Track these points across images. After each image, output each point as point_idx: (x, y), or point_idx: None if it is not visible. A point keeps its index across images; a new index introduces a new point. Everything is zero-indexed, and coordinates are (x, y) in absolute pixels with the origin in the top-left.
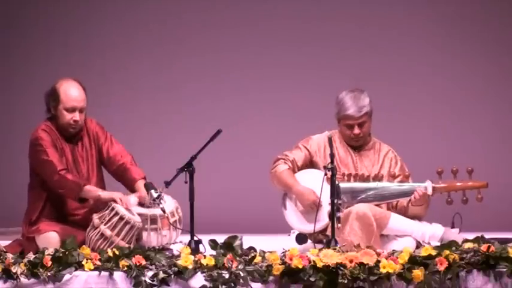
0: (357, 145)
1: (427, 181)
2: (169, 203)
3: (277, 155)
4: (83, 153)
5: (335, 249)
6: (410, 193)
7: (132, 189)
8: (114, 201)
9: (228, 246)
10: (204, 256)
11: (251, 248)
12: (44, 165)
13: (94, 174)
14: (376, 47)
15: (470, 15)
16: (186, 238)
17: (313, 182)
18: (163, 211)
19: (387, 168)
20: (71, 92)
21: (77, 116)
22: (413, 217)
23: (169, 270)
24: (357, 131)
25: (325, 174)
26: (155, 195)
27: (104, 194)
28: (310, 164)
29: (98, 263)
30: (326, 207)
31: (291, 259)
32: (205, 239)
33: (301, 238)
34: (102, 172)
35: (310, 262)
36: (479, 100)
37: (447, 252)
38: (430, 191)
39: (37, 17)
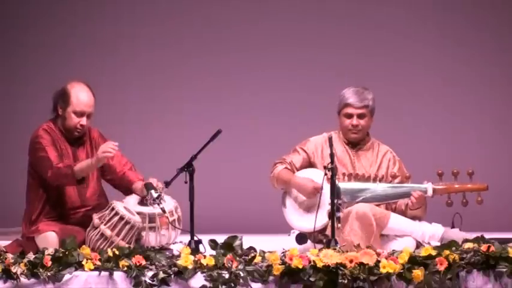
0: (355, 139)
1: (427, 182)
2: (168, 203)
3: (275, 160)
4: (83, 158)
5: (335, 249)
6: (410, 194)
7: (130, 192)
8: (104, 151)
9: (228, 246)
10: (204, 256)
11: (251, 248)
12: (41, 161)
13: (94, 180)
14: (377, 47)
15: (471, 17)
16: (186, 238)
17: (313, 179)
18: (164, 211)
19: (385, 168)
20: (82, 96)
21: (84, 120)
22: (412, 219)
23: (169, 270)
24: (355, 121)
25: (325, 174)
26: (155, 195)
27: (93, 160)
28: (309, 166)
29: (98, 263)
30: (326, 207)
31: (291, 259)
32: (205, 239)
33: (301, 238)
34: (100, 179)
35: (310, 262)
36: (480, 102)
37: (447, 252)
38: (430, 193)
39: (37, 17)
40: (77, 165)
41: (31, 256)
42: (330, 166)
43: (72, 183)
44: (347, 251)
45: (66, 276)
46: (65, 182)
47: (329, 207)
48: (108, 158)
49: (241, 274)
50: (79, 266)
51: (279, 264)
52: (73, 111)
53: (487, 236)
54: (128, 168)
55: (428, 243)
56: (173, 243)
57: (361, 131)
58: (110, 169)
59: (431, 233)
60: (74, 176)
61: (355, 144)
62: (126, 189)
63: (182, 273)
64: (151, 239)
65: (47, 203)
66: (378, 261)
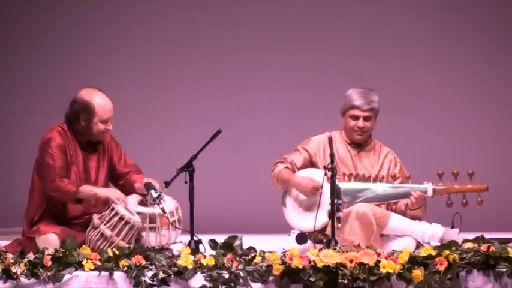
0: (359, 141)
1: (427, 183)
2: (169, 203)
3: (276, 159)
4: (94, 164)
5: (335, 249)
6: (410, 194)
7: (130, 193)
8: (111, 200)
9: (228, 246)
10: (204, 256)
11: (251, 248)
12: (46, 167)
13: (101, 185)
14: (377, 47)
15: (471, 17)
16: (186, 238)
17: (313, 178)
18: (163, 211)
19: (386, 169)
20: (106, 104)
21: (109, 125)
22: (412, 219)
23: (169, 270)
24: (361, 123)
25: (325, 174)
26: (155, 195)
27: (100, 192)
28: (310, 165)
29: (98, 263)
30: (326, 207)
31: (291, 259)
32: (205, 239)
33: (301, 238)
34: (108, 184)
35: (310, 262)
36: (480, 102)
37: (447, 252)
38: (430, 193)
39: (36, 17)
40: (83, 187)
41: (31, 256)
42: (330, 166)
43: (70, 200)
44: (347, 251)
45: (66, 276)
46: (63, 198)
47: (329, 207)
48: (113, 201)
49: (241, 274)
50: (79, 266)
51: (279, 264)
52: (100, 121)
53: (487, 236)
54: (135, 171)
55: (428, 243)
56: (173, 243)
57: (366, 133)
58: (120, 177)
59: (431, 233)
60: (75, 195)
61: (358, 144)
62: (129, 189)
63: (182, 273)
64: (152, 239)
65: (50, 206)
66: (378, 261)
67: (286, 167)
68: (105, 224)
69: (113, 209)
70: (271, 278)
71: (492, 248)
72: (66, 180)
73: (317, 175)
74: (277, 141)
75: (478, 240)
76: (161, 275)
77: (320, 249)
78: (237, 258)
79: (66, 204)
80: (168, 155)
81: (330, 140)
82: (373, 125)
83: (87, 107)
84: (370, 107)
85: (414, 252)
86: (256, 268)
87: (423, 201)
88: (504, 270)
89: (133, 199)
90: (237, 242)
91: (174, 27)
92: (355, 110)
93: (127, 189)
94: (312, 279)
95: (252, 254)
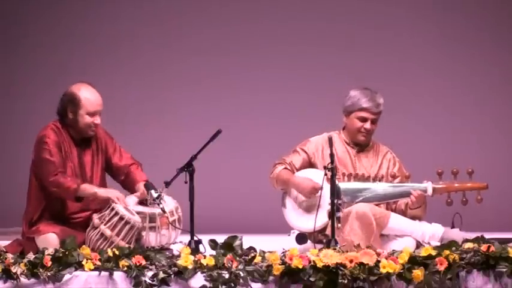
0: (363, 142)
1: (427, 182)
2: (169, 203)
3: (275, 160)
4: (89, 159)
5: (335, 249)
6: (410, 193)
7: (133, 191)
8: (112, 200)
9: (228, 246)
10: (204, 256)
11: (251, 248)
12: (44, 163)
13: (97, 180)
14: (377, 47)
15: (471, 17)
16: (186, 238)
17: (313, 179)
18: (163, 211)
19: (385, 169)
20: (92, 96)
21: (98, 119)
22: (412, 219)
23: (169, 270)
24: (368, 125)
25: (325, 174)
26: (155, 195)
27: (100, 192)
28: (309, 166)
29: (98, 263)
30: (326, 207)
31: (291, 259)
32: (205, 239)
33: (301, 238)
34: (105, 179)
35: (310, 262)
36: (480, 102)
37: (447, 252)
38: (430, 192)
39: (36, 17)
40: (84, 185)
41: (31, 256)
42: (330, 166)
43: (69, 198)
44: (347, 251)
45: (66, 276)
46: (63, 195)
47: (329, 207)
48: (113, 200)
49: (241, 274)
50: (79, 266)
51: (279, 264)
52: (87, 113)
53: (487, 236)
54: (135, 166)
55: (428, 243)
56: (173, 243)
57: (370, 135)
58: (119, 171)
59: (431, 233)
60: (75, 192)
61: (357, 144)
62: (130, 187)
63: (182, 273)
64: (152, 239)
65: (50, 204)
66: (378, 261)
67: (285, 168)
68: (105, 224)
69: (113, 208)
70: (271, 278)
71: (492, 248)
72: (67, 176)
73: (317, 175)
74: (277, 141)
75: (478, 240)
76: (161, 275)
77: (320, 249)
78: (237, 258)
79: (65, 201)
80: (168, 155)
81: (330, 140)
82: (376, 127)
83: (73, 99)
84: (379, 110)
85: (414, 252)
86: (256, 268)
87: (423, 200)
88: (504, 270)
89: (133, 199)
90: (237, 242)
91: (174, 28)
92: (364, 112)
93: (129, 187)
94: (312, 279)
95: (252, 254)
